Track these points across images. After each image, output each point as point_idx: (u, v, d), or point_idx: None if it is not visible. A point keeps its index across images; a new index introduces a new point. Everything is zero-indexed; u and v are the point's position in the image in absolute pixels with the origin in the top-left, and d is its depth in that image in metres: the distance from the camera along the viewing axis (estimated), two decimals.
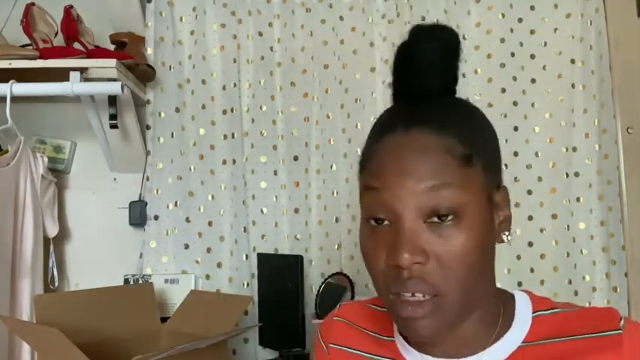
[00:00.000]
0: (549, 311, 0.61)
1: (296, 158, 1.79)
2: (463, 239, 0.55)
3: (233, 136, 1.79)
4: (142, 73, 1.68)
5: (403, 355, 0.65)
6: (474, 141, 0.57)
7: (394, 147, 0.57)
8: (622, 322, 0.58)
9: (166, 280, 1.70)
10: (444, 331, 0.57)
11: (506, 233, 0.60)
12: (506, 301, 0.63)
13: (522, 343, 0.59)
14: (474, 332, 0.61)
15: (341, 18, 1.83)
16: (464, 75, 1.81)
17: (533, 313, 0.61)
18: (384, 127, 0.60)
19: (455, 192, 0.55)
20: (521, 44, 1.82)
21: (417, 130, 0.57)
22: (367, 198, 0.59)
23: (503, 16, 1.82)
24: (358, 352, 0.69)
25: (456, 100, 0.62)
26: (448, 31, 0.61)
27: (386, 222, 0.57)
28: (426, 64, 0.59)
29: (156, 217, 1.74)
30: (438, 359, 0.62)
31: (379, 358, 0.67)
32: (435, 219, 0.55)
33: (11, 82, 1.49)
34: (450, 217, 0.55)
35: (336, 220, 1.78)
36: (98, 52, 1.57)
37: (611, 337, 0.57)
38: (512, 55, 1.81)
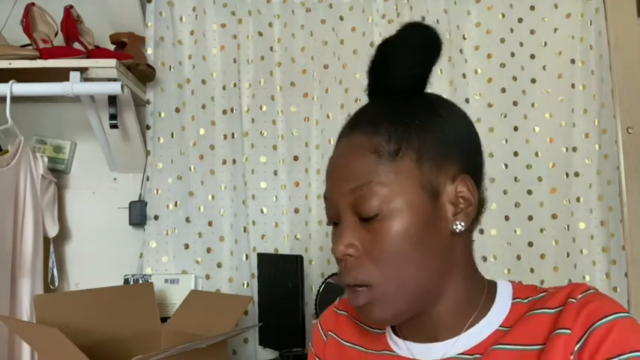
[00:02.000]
0: (528, 299, 0.62)
1: (296, 158, 1.79)
2: (390, 233, 0.58)
3: (233, 136, 1.79)
4: (142, 73, 1.68)
5: (390, 345, 0.68)
6: (407, 136, 0.60)
7: (336, 154, 0.65)
8: (583, 293, 0.59)
9: (166, 280, 1.70)
10: (399, 317, 0.62)
11: (457, 223, 0.61)
12: (490, 290, 0.65)
13: (499, 327, 0.61)
14: (448, 317, 0.63)
15: (341, 18, 1.83)
16: (464, 75, 1.81)
17: (513, 299, 0.63)
18: (340, 132, 0.68)
19: (379, 189, 0.59)
20: (521, 44, 1.82)
21: (356, 133, 0.63)
22: (325, 204, 0.65)
23: (503, 16, 1.82)
24: (352, 345, 0.72)
25: (418, 98, 0.64)
26: (422, 32, 0.62)
27: (337, 222, 0.64)
28: (390, 63, 0.62)
29: (156, 217, 1.74)
30: (417, 344, 0.65)
31: (371, 351, 0.69)
32: (364, 216, 0.60)
33: (11, 82, 1.49)
34: (377, 214, 0.59)
35: None
36: (98, 52, 1.57)
37: (568, 305, 0.58)
38: (512, 55, 1.81)
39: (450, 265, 0.62)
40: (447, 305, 0.63)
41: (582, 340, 0.55)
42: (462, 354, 0.61)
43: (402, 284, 0.59)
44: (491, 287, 0.66)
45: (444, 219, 0.61)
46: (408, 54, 0.61)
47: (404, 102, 0.63)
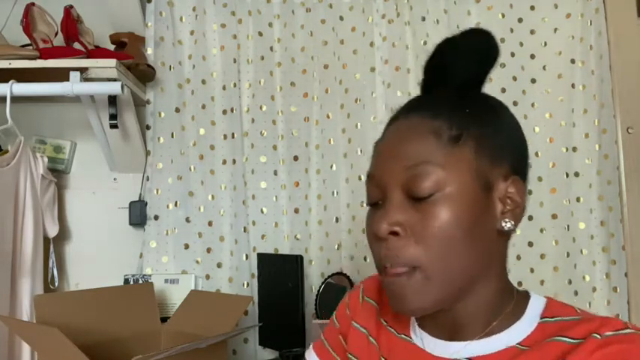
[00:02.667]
0: (555, 319, 0.58)
1: (296, 158, 1.79)
2: (441, 216, 0.57)
3: (233, 136, 1.79)
4: (142, 73, 1.68)
5: (410, 331, 0.68)
6: (468, 125, 0.59)
7: (390, 134, 0.63)
8: (613, 331, 0.53)
9: (166, 280, 1.70)
10: (429, 306, 0.59)
11: (507, 221, 0.60)
12: (519, 300, 0.63)
13: (517, 344, 0.58)
14: (469, 318, 0.62)
15: (341, 18, 1.83)
16: None
17: (541, 319, 0.59)
18: (393, 116, 0.66)
19: (435, 170, 0.57)
20: (521, 44, 1.82)
21: (414, 115, 0.61)
22: (367, 184, 0.63)
23: (503, 16, 1.82)
24: (382, 319, 0.73)
25: (475, 94, 0.64)
26: (485, 37, 0.62)
27: (380, 203, 0.61)
28: (449, 62, 0.62)
29: (156, 217, 1.74)
30: (432, 338, 0.65)
31: (392, 330, 0.70)
32: (417, 196, 0.58)
33: (11, 82, 1.49)
34: (431, 195, 0.57)
35: (336, 220, 1.78)
36: (98, 52, 1.57)
37: (590, 340, 0.53)
38: (512, 55, 1.81)
39: (488, 263, 0.61)
40: (472, 305, 0.62)
41: None
42: (472, 357, 0.60)
43: (446, 270, 0.58)
44: (522, 300, 0.63)
45: (492, 215, 0.60)
46: (469, 54, 0.61)
47: (462, 94, 0.62)
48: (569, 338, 0.55)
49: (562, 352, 0.54)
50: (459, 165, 0.58)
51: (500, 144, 0.61)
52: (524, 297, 0.63)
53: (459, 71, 0.62)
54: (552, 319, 0.58)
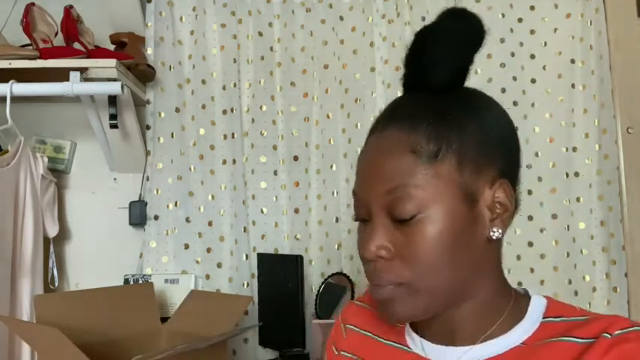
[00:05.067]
0: (559, 319, 0.59)
1: (296, 158, 1.79)
2: (425, 236, 0.57)
3: (233, 136, 1.79)
4: (142, 73, 1.68)
5: (407, 340, 0.67)
6: (448, 135, 0.57)
7: (369, 149, 0.61)
8: (623, 330, 0.53)
9: (166, 280, 1.70)
10: (419, 314, 0.60)
11: (494, 230, 0.59)
12: (518, 300, 0.62)
13: (520, 344, 0.58)
14: (468, 323, 0.61)
15: (341, 18, 1.83)
16: None
17: (543, 318, 0.60)
18: (373, 125, 0.63)
19: (416, 192, 0.56)
20: (521, 44, 1.82)
21: (391, 129, 0.59)
22: (354, 200, 0.63)
23: (503, 16, 1.82)
24: (370, 335, 0.72)
25: (457, 94, 0.61)
26: (467, 20, 0.59)
27: (367, 219, 0.61)
28: (428, 54, 0.59)
29: (156, 217, 1.74)
30: (432, 344, 0.64)
31: (388, 342, 0.69)
32: (399, 218, 0.57)
33: (11, 82, 1.49)
34: (413, 216, 0.57)
35: (336, 220, 1.78)
36: (98, 52, 1.57)
37: (601, 340, 0.53)
38: (512, 55, 1.81)
39: (480, 269, 0.60)
40: (469, 310, 0.61)
41: None
42: None
43: (432, 288, 0.58)
44: (521, 301, 0.62)
45: (480, 224, 0.59)
46: (448, 44, 0.58)
47: (442, 96, 0.59)
48: (579, 338, 0.55)
49: (575, 354, 0.54)
50: (440, 183, 0.57)
51: (485, 148, 0.59)
52: (524, 297, 0.63)
53: (439, 65, 0.58)
54: (556, 319, 0.58)
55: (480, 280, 0.61)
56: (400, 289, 0.58)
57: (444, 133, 0.57)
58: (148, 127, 1.78)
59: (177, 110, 1.78)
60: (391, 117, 0.61)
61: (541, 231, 1.76)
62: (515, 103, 1.79)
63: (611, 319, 0.55)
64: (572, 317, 0.58)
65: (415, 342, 0.66)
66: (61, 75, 1.49)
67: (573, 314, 0.59)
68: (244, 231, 1.77)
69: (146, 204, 1.76)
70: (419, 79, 0.61)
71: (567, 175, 1.78)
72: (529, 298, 0.62)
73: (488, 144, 0.59)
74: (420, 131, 0.57)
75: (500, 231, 0.59)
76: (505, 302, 0.62)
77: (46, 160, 1.67)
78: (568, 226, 1.76)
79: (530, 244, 1.76)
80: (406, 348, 0.66)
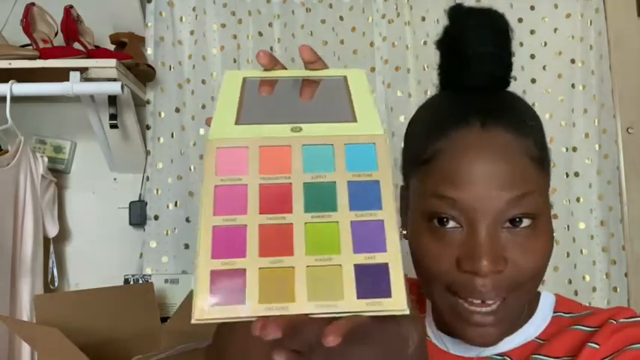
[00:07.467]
0: (569, 314, 0.61)
1: None
2: (540, 244, 0.54)
3: None
4: (142, 73, 1.68)
5: (428, 331, 0.67)
6: (544, 142, 0.56)
7: (471, 147, 0.53)
8: (628, 318, 0.57)
9: (166, 280, 1.70)
10: (505, 336, 0.57)
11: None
12: (532, 299, 0.63)
13: (535, 338, 0.60)
14: None
15: (341, 18, 1.83)
16: None
17: (554, 313, 0.62)
18: (450, 119, 0.55)
19: (535, 199, 0.53)
20: (522, 44, 1.82)
21: (494, 127, 0.53)
22: (435, 202, 0.54)
23: None
24: None
25: (513, 95, 0.60)
26: (497, 15, 0.58)
27: (452, 223, 0.53)
28: (478, 52, 0.56)
29: (156, 217, 1.74)
30: (452, 339, 0.64)
31: None
32: (509, 224, 0.53)
33: (11, 82, 1.49)
34: (526, 222, 0.53)
35: None
36: (98, 52, 1.57)
37: (607, 325, 0.56)
38: (512, 55, 1.81)
39: None
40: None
41: (609, 358, 0.52)
42: (496, 355, 0.61)
43: (530, 296, 0.57)
44: (533, 297, 0.63)
45: None
46: (497, 43, 0.57)
47: (510, 94, 0.58)
48: (586, 327, 0.57)
49: (580, 340, 0.56)
50: (544, 189, 0.56)
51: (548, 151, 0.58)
52: (535, 295, 0.64)
53: (491, 63, 0.56)
54: (567, 315, 0.61)
55: None
56: (500, 310, 0.54)
57: (541, 138, 0.57)
58: (148, 127, 1.78)
59: (178, 110, 1.78)
60: (487, 113, 0.54)
61: None
62: None
63: (617, 309, 0.59)
64: (580, 312, 0.61)
65: (435, 335, 0.66)
66: (61, 75, 1.49)
67: (581, 310, 0.62)
68: None
69: (146, 204, 1.76)
70: (464, 78, 0.57)
71: (567, 175, 1.78)
72: (538, 294, 0.64)
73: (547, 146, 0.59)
74: (526, 133, 0.54)
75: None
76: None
77: (46, 160, 1.67)
78: (568, 226, 1.76)
79: None
80: (427, 339, 0.67)
